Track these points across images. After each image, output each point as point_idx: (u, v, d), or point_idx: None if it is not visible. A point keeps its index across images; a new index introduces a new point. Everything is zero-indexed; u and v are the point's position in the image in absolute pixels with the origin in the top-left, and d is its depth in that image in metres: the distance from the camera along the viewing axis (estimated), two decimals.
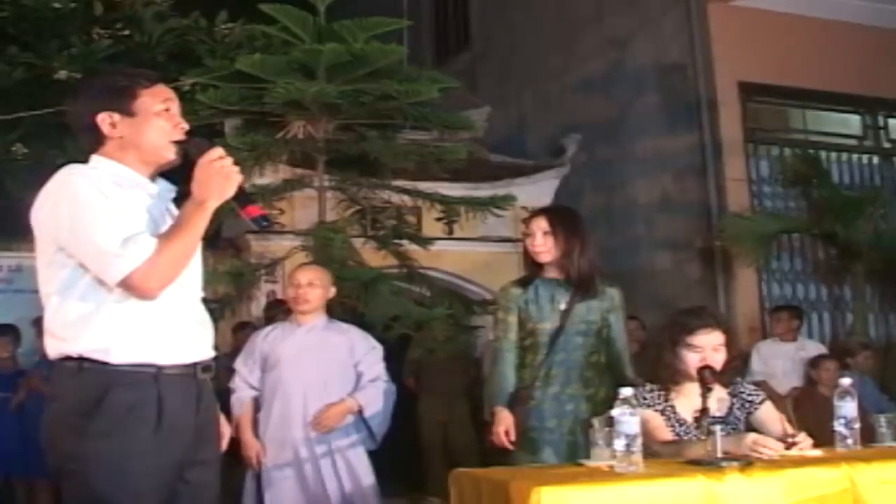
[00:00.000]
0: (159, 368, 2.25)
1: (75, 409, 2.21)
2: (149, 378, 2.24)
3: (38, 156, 8.30)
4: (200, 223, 2.24)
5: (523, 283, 3.78)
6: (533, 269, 3.78)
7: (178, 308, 2.31)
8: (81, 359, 2.22)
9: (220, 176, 2.23)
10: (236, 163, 2.27)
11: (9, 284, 7.82)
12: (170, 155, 2.33)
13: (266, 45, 7.33)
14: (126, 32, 9.32)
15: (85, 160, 2.36)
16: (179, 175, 2.37)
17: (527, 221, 3.85)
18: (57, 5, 8.83)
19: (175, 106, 2.38)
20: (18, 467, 6.03)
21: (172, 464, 2.26)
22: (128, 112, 2.33)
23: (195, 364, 2.33)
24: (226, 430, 2.62)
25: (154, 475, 2.21)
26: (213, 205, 2.23)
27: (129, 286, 2.18)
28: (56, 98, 8.01)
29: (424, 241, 6.81)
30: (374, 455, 4.25)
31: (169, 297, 2.27)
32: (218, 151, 2.26)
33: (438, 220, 8.05)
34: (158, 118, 2.34)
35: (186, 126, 2.37)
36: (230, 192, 2.24)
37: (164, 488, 2.24)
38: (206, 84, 6.27)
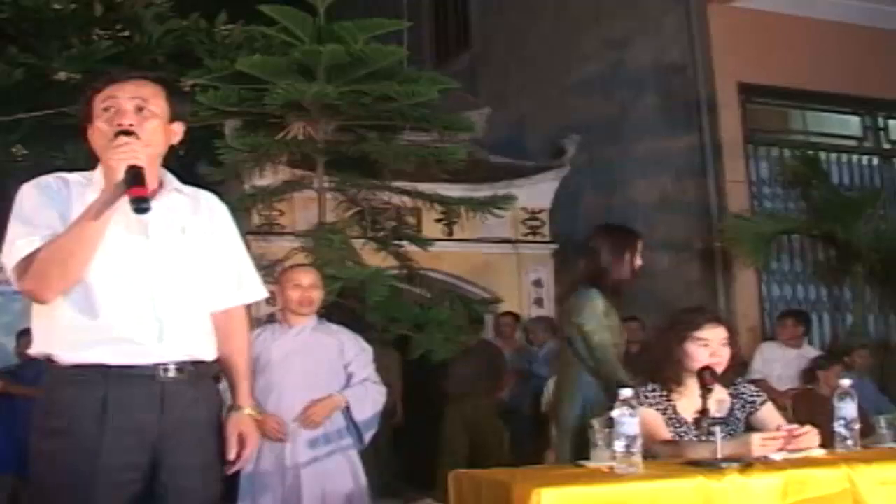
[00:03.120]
0: (108, 368, 2.24)
1: (38, 408, 2.29)
2: (95, 378, 2.23)
3: (38, 157, 8.30)
4: (87, 218, 2.19)
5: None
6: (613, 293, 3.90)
7: (138, 307, 2.28)
8: (46, 360, 2.29)
9: (106, 165, 2.23)
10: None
11: (8, 285, 7.80)
12: (111, 155, 2.23)
13: (266, 46, 7.32)
14: (126, 33, 9.32)
15: (87, 160, 2.39)
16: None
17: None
18: (57, 6, 8.83)
19: (118, 101, 2.32)
20: (24, 468, 6.02)
21: (125, 465, 2.23)
22: (90, 120, 2.36)
23: (157, 365, 2.29)
24: (251, 436, 2.51)
25: (100, 474, 2.19)
26: (101, 196, 2.21)
27: (20, 289, 2.22)
28: (56, 99, 8.03)
29: (424, 242, 6.80)
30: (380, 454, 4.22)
31: (124, 295, 2.26)
32: (119, 140, 2.22)
33: (438, 221, 8.05)
34: (98, 120, 2.33)
35: (124, 120, 2.29)
36: (115, 178, 2.20)
37: (116, 489, 2.22)
38: (205, 85, 6.26)
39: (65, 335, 2.25)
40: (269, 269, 6.28)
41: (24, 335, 6.62)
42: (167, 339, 2.30)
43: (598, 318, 3.73)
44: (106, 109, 2.32)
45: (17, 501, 6.39)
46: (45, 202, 2.27)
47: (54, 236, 2.20)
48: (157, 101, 2.36)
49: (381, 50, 5.91)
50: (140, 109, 2.33)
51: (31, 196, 2.28)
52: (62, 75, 8.77)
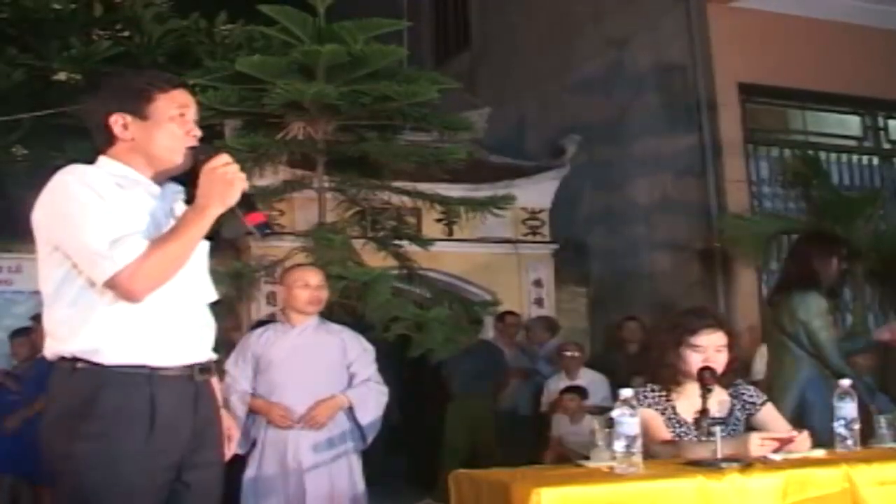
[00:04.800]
0: (152, 369, 2.24)
1: (69, 409, 2.22)
2: (141, 379, 2.23)
3: (38, 157, 8.30)
4: (197, 229, 2.24)
5: None
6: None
7: (177, 310, 2.30)
8: (75, 359, 2.22)
9: (223, 183, 2.22)
10: (242, 168, 2.27)
11: (9, 286, 7.81)
12: (179, 160, 2.33)
13: (265, 46, 7.32)
14: (126, 33, 9.32)
15: (88, 160, 2.36)
16: (186, 178, 2.37)
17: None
18: (57, 6, 8.82)
19: (191, 112, 2.38)
20: (24, 468, 6.01)
21: (167, 465, 2.25)
22: (141, 115, 2.32)
23: (192, 366, 2.32)
24: (234, 433, 2.65)
25: (146, 476, 2.21)
26: (214, 211, 2.23)
27: (114, 287, 2.18)
28: (56, 99, 8.03)
29: (424, 242, 6.80)
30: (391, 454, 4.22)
31: (167, 298, 2.26)
32: (223, 158, 2.26)
33: (438, 221, 8.05)
34: (172, 123, 2.33)
35: (199, 133, 2.36)
36: (233, 199, 2.23)
37: (159, 490, 2.24)
38: (205, 85, 6.26)
39: (108, 335, 2.22)
40: (270, 270, 6.30)
41: (18, 335, 6.60)
42: (203, 339, 2.37)
43: (822, 316, 4.20)
44: (182, 115, 2.36)
45: (17, 502, 6.38)
46: (119, 197, 2.25)
47: (152, 238, 2.22)
48: None
49: (380, 50, 5.91)
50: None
51: (100, 191, 2.23)
52: (62, 75, 8.77)
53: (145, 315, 2.24)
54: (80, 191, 2.21)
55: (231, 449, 2.62)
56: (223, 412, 2.60)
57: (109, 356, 2.21)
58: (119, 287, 2.18)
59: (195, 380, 2.33)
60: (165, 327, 2.28)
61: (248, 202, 2.27)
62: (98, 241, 2.16)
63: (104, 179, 2.27)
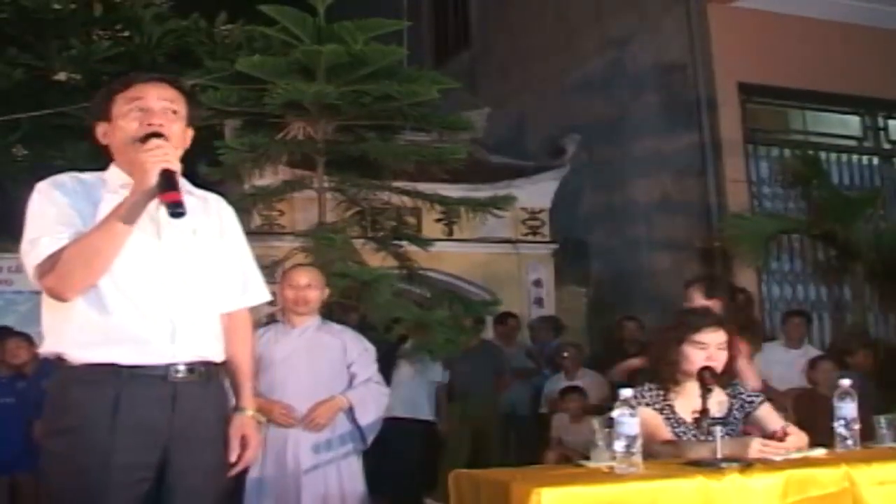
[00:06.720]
0: (119, 367, 2.25)
1: (48, 406, 2.30)
2: (107, 377, 2.24)
3: (38, 157, 8.32)
4: (115, 219, 2.20)
5: None
6: None
7: (151, 307, 2.29)
8: (57, 358, 2.29)
9: (140, 170, 2.22)
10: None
11: (9, 286, 7.81)
12: (146, 157, 2.24)
13: (266, 46, 7.33)
14: (126, 34, 9.34)
15: (87, 160, 2.40)
16: None
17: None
18: (57, 6, 8.84)
19: (145, 102, 2.33)
20: (23, 467, 6.01)
21: (135, 464, 2.24)
22: (108, 119, 2.36)
23: (168, 365, 2.30)
24: (252, 439, 2.53)
25: (108, 473, 2.20)
26: (132, 199, 2.21)
27: (41, 285, 2.23)
28: (56, 99, 8.03)
29: (424, 242, 6.80)
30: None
31: (137, 295, 2.27)
32: (151, 143, 2.23)
33: (438, 221, 8.05)
34: (122, 119, 2.34)
35: (154, 121, 2.31)
36: (147, 184, 2.19)
37: (125, 487, 2.23)
38: (205, 85, 6.27)
39: (77, 334, 2.26)
40: (270, 270, 6.30)
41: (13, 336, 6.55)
42: (179, 340, 2.32)
43: None
44: (133, 109, 2.33)
45: (17, 502, 6.38)
46: (66, 200, 2.28)
47: (78, 235, 2.21)
48: (179, 105, 2.39)
49: (380, 50, 5.91)
50: (167, 111, 2.35)
51: (51, 194, 2.29)
52: (62, 76, 8.79)
53: (112, 315, 2.25)
54: (35, 198, 2.29)
55: (247, 457, 2.52)
56: (243, 416, 2.54)
57: (78, 354, 2.25)
58: (42, 286, 2.22)
59: (171, 380, 2.30)
60: (135, 327, 2.27)
61: (166, 180, 2.19)
62: (25, 242, 2.25)
63: (69, 185, 2.31)
